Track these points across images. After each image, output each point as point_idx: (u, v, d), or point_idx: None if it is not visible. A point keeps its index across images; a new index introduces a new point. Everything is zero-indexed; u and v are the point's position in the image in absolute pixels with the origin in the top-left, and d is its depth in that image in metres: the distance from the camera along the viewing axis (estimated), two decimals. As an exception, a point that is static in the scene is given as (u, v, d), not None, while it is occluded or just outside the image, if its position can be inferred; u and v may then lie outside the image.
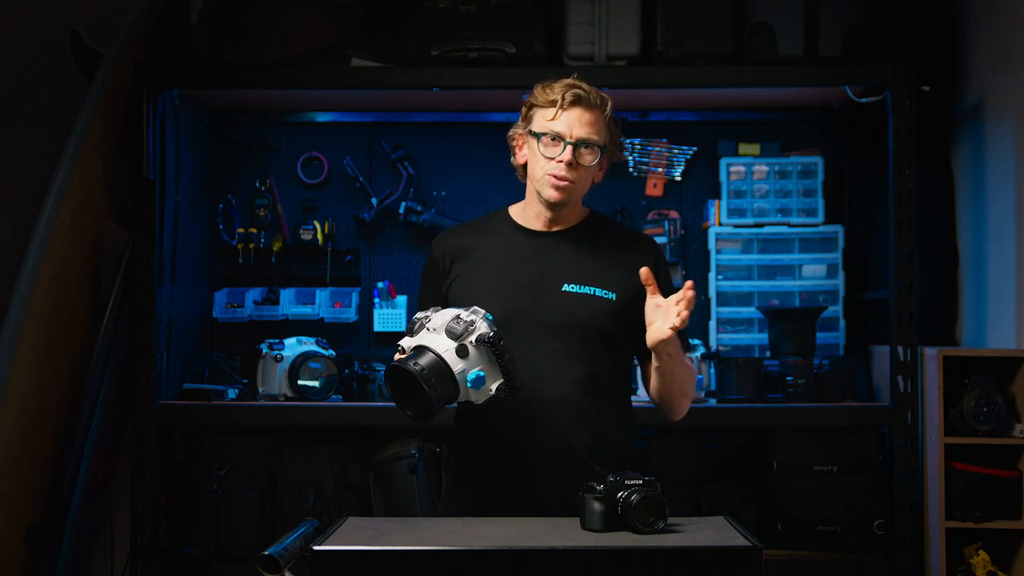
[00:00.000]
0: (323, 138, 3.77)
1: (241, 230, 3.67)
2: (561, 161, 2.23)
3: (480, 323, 2.02)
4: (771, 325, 3.42)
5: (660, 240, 3.57)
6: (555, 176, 2.24)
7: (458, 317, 2.02)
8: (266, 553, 1.88)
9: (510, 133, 2.35)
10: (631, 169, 3.72)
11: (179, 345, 3.40)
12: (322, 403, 3.27)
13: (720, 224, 3.58)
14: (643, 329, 2.20)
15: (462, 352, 2.00)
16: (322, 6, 3.34)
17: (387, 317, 3.62)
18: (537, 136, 2.25)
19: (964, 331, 3.44)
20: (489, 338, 2.00)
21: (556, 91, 2.25)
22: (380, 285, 3.63)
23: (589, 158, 2.25)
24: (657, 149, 3.72)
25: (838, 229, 3.58)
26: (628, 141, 3.70)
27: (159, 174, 3.25)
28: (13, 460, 2.98)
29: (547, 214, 2.32)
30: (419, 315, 2.08)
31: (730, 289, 3.59)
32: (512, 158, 2.37)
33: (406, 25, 3.30)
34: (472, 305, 2.08)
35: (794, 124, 3.72)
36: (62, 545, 3.08)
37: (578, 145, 2.23)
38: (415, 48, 3.28)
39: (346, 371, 3.38)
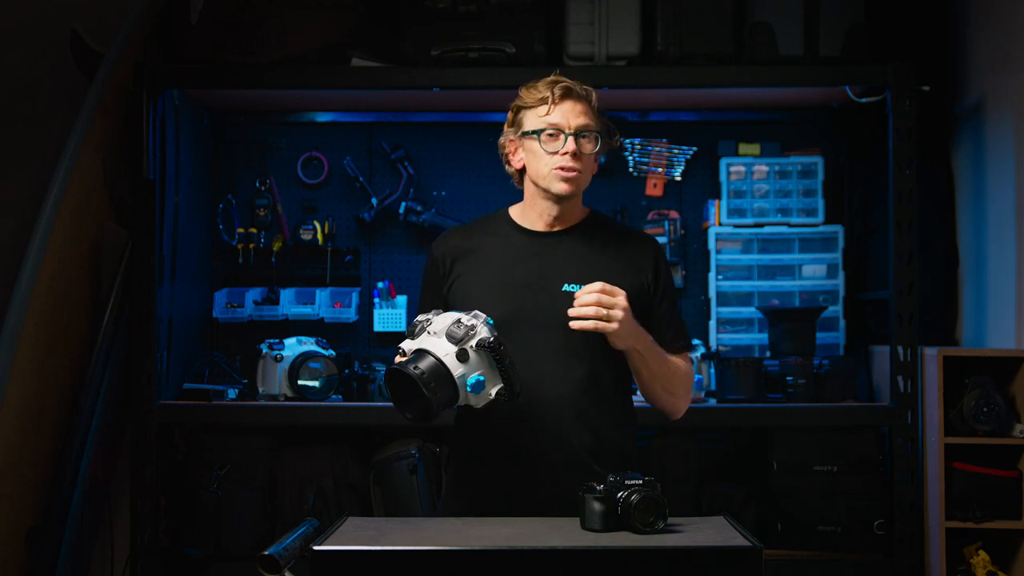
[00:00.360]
0: (323, 138, 3.77)
1: (241, 230, 3.67)
2: (566, 153, 2.23)
3: (481, 327, 2.02)
4: (771, 325, 3.42)
5: (660, 240, 3.57)
6: (562, 168, 2.24)
7: (459, 321, 2.02)
8: (266, 553, 1.88)
9: (500, 141, 2.35)
10: (631, 169, 3.72)
11: (179, 345, 3.40)
12: (322, 403, 3.26)
13: (720, 224, 3.58)
14: (643, 328, 2.20)
15: (462, 356, 2.00)
16: (322, 6, 3.34)
17: (387, 317, 3.62)
18: (536, 133, 2.25)
19: (964, 331, 3.44)
20: (489, 343, 2.00)
21: (543, 88, 2.26)
22: (380, 285, 3.63)
23: (590, 146, 2.26)
24: (657, 149, 3.72)
25: (838, 229, 3.58)
26: (628, 141, 3.70)
27: (159, 174, 3.25)
28: (13, 460, 2.98)
29: (553, 212, 2.31)
30: (420, 318, 2.08)
31: (730, 289, 3.59)
32: (506, 166, 2.37)
33: (406, 25, 3.30)
34: (473, 307, 2.08)
35: (794, 124, 3.73)
36: (62, 545, 3.08)
37: (578, 135, 2.24)
38: (415, 48, 3.28)
39: (346, 371, 3.38)
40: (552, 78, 2.28)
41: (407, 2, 3.33)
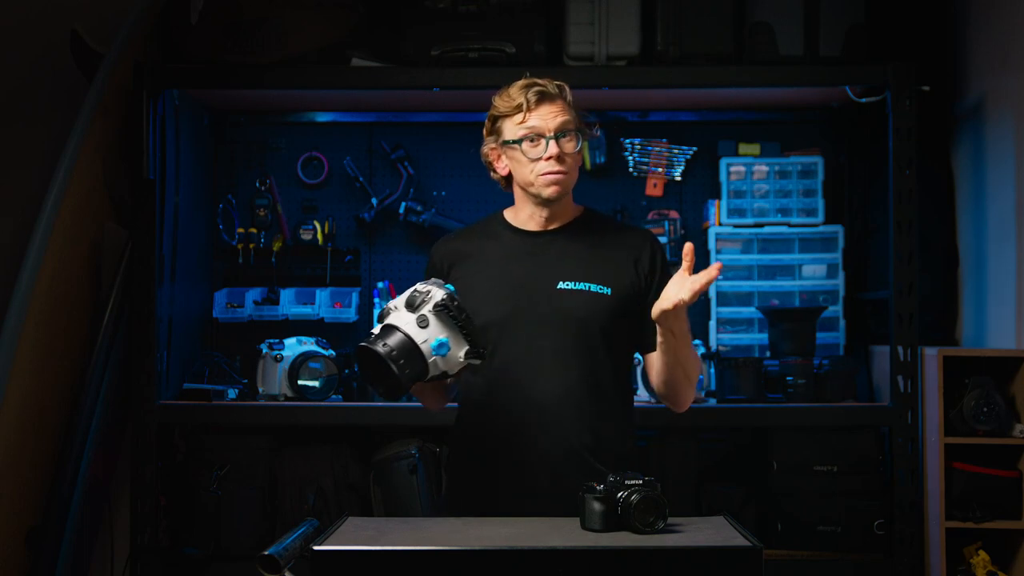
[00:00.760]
0: (323, 138, 3.77)
1: (241, 230, 3.67)
2: (550, 158, 2.24)
3: (436, 291, 2.04)
4: (771, 325, 3.42)
5: (660, 240, 3.56)
6: (548, 173, 2.25)
7: (415, 290, 2.06)
8: (266, 553, 1.88)
9: (483, 151, 2.37)
10: (631, 169, 3.73)
11: (179, 345, 3.40)
12: (322, 403, 3.26)
13: (720, 224, 3.58)
14: (641, 323, 2.21)
15: (423, 322, 2.03)
16: (322, 6, 3.34)
17: (387, 317, 3.61)
18: (516, 142, 2.26)
19: (964, 331, 3.44)
20: (442, 301, 2.02)
21: (517, 95, 2.27)
22: (380, 285, 3.63)
23: (571, 145, 2.27)
24: (657, 149, 3.72)
25: (838, 229, 3.58)
26: (628, 141, 3.71)
27: (159, 174, 3.25)
28: (13, 460, 2.98)
29: (544, 213, 2.32)
30: (389, 303, 2.10)
31: (730, 289, 3.58)
32: (491, 174, 2.38)
33: (406, 25, 3.30)
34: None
35: (794, 124, 3.72)
36: (62, 545, 3.08)
37: (558, 137, 2.24)
38: (415, 48, 3.28)
39: (346, 371, 3.38)
40: (524, 82, 2.29)
41: (407, 2, 3.32)
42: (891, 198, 3.16)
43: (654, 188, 3.73)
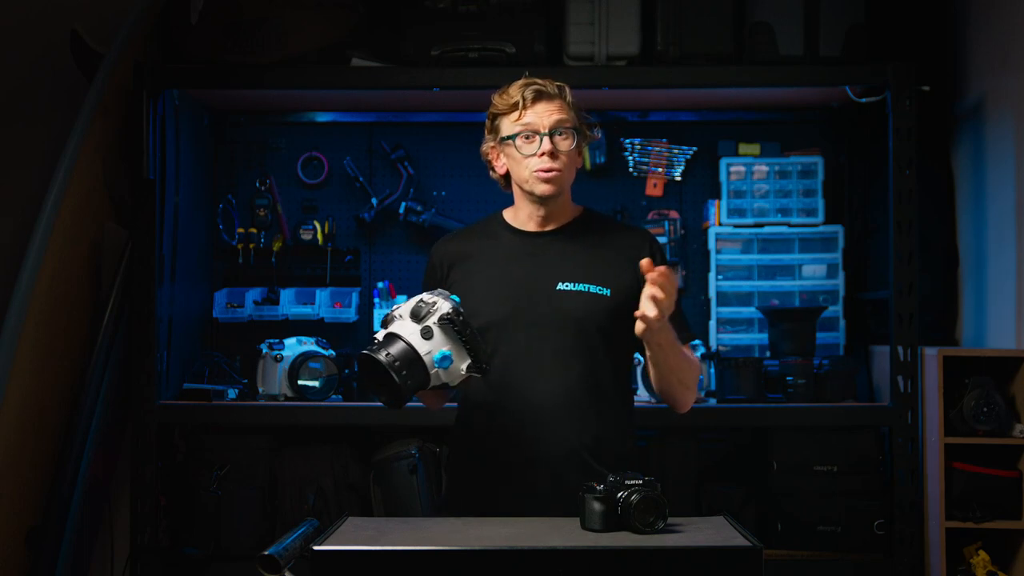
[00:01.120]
0: (323, 138, 3.77)
1: (241, 230, 3.67)
2: (543, 154, 2.24)
3: (442, 303, 2.04)
4: (771, 325, 3.42)
5: (660, 240, 3.57)
6: (541, 170, 2.25)
7: (421, 300, 2.05)
8: (266, 553, 1.88)
9: (483, 149, 2.38)
10: (631, 169, 3.72)
11: (179, 345, 3.40)
12: (322, 403, 3.26)
13: (720, 224, 3.58)
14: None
15: (427, 333, 2.02)
16: (322, 6, 3.34)
17: (387, 317, 3.62)
18: (511, 138, 2.26)
19: (964, 331, 3.44)
20: (448, 315, 2.02)
21: (515, 93, 2.28)
22: (380, 285, 3.63)
23: (566, 143, 2.27)
24: (657, 149, 3.72)
25: (838, 229, 3.58)
26: (628, 141, 3.71)
27: (159, 174, 3.25)
28: (13, 460, 2.98)
29: (540, 212, 2.33)
30: (393, 308, 2.10)
31: (730, 289, 3.59)
32: (491, 173, 2.39)
33: (406, 25, 3.30)
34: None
35: (794, 124, 3.72)
36: (62, 545, 3.08)
37: (552, 134, 2.25)
38: (415, 48, 3.28)
39: (346, 371, 3.38)
40: (523, 81, 2.30)
41: (407, 2, 3.32)
42: (891, 198, 3.16)
43: (654, 188, 3.73)
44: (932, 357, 3.07)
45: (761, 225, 3.58)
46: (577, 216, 2.38)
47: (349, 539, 1.88)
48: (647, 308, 2.07)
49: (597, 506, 1.91)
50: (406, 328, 2.03)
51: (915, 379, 3.13)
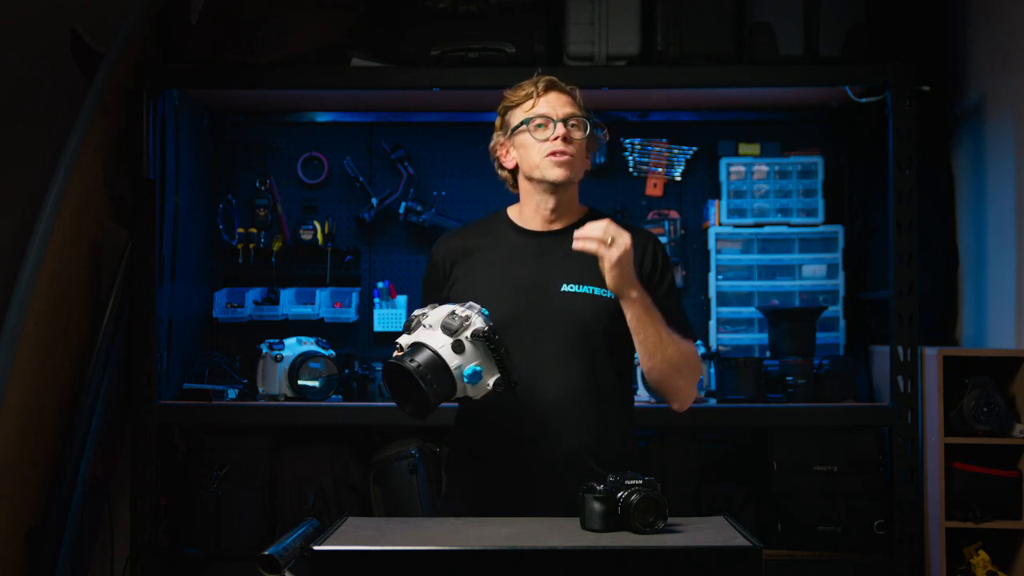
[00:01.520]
0: (323, 138, 3.77)
1: (241, 230, 3.67)
2: (556, 138, 2.25)
3: (475, 318, 2.02)
4: (771, 325, 3.42)
5: (660, 240, 3.56)
6: (554, 153, 2.25)
7: (453, 313, 2.03)
8: (266, 553, 1.88)
9: (491, 145, 2.38)
10: (631, 169, 3.72)
11: (179, 345, 3.40)
12: (322, 403, 3.26)
13: (720, 224, 3.58)
14: None
15: (458, 348, 2.01)
16: (322, 6, 3.34)
17: (387, 317, 3.62)
18: (525, 123, 2.27)
19: (964, 331, 3.44)
20: (484, 332, 2.01)
21: (527, 85, 2.30)
22: (380, 285, 3.63)
23: (579, 132, 2.28)
24: (657, 149, 3.72)
25: (838, 229, 3.58)
26: (628, 141, 3.71)
27: (159, 174, 3.25)
28: (13, 460, 2.98)
29: (549, 204, 2.32)
30: (416, 312, 2.09)
31: (730, 289, 3.59)
32: (499, 171, 2.39)
33: (406, 25, 3.30)
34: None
35: (794, 124, 3.72)
36: (62, 545, 3.08)
37: (565, 121, 2.26)
38: (415, 48, 3.28)
39: (346, 371, 3.38)
40: (535, 77, 2.31)
41: (407, 2, 3.32)
42: (891, 198, 3.16)
43: (654, 188, 3.73)
44: (932, 357, 3.07)
45: (761, 225, 3.58)
46: (582, 216, 2.38)
47: (349, 539, 1.88)
48: (590, 245, 2.14)
49: (597, 506, 1.91)
50: (436, 339, 2.02)
51: (915, 379, 3.13)
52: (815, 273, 3.58)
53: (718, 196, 3.60)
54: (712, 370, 3.37)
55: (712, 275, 3.58)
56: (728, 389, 3.28)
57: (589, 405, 2.25)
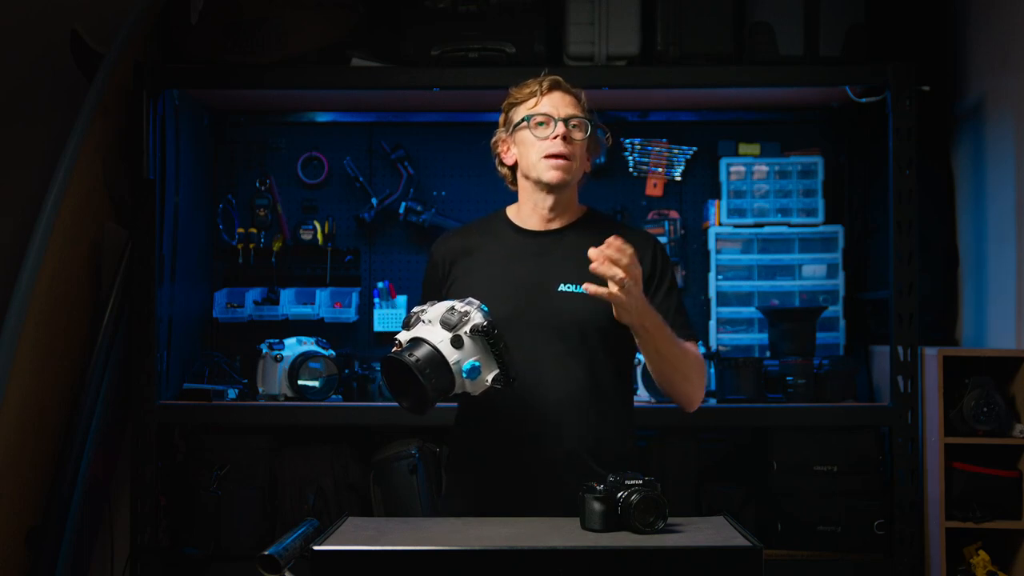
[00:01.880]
0: (323, 138, 3.77)
1: (241, 230, 3.67)
2: (556, 136, 2.25)
3: (475, 313, 2.03)
4: (771, 325, 3.42)
5: (660, 240, 3.56)
6: (552, 154, 2.25)
7: (452, 308, 2.04)
8: (266, 553, 1.88)
9: (493, 141, 2.38)
10: (631, 169, 3.72)
11: (179, 345, 3.40)
12: (322, 403, 3.26)
13: (720, 224, 3.58)
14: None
15: (457, 343, 2.01)
16: (322, 6, 3.34)
17: (387, 317, 3.62)
18: (526, 119, 2.27)
19: (964, 331, 3.44)
20: (483, 328, 2.01)
21: (532, 84, 2.30)
22: (380, 285, 3.63)
23: (579, 134, 2.28)
24: (657, 149, 3.72)
25: (838, 229, 3.58)
26: (628, 141, 3.71)
27: (159, 174, 3.25)
28: (13, 460, 2.98)
29: (547, 204, 2.32)
30: (416, 309, 2.10)
31: (730, 289, 3.59)
32: (499, 168, 2.39)
33: (406, 25, 3.30)
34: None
35: (794, 124, 3.72)
36: (62, 545, 3.08)
37: (567, 121, 2.25)
38: (415, 48, 3.28)
39: (346, 371, 3.38)
40: (541, 76, 2.31)
41: (407, 2, 3.33)
42: (891, 198, 3.16)
43: (654, 188, 3.73)
44: (932, 357, 3.07)
45: (761, 225, 3.58)
46: (581, 216, 2.38)
47: (349, 539, 1.88)
48: (601, 288, 2.06)
49: (597, 506, 1.91)
50: (435, 335, 2.02)
51: (915, 379, 3.13)
52: (815, 273, 3.58)
53: (718, 196, 3.60)
54: (712, 370, 3.37)
55: (712, 275, 3.58)
56: (728, 389, 3.28)
57: (589, 405, 2.25)
